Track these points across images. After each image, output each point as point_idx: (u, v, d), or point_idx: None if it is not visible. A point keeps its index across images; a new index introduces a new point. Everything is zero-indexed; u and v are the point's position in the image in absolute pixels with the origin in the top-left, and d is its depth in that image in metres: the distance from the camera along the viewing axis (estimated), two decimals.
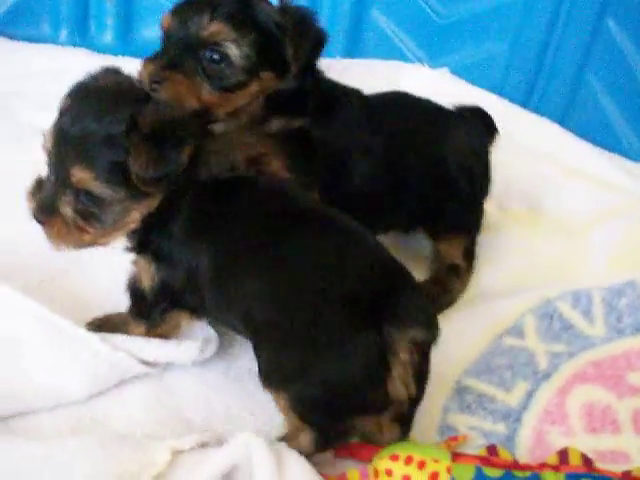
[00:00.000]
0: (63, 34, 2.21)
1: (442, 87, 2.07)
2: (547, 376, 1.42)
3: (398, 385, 1.17)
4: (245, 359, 1.42)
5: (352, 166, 1.45)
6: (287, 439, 1.24)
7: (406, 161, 1.50)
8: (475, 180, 1.56)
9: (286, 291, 1.21)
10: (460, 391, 1.41)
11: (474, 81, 2.08)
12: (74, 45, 2.19)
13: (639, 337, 1.48)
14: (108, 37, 2.21)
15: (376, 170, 1.47)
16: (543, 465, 1.22)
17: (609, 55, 1.93)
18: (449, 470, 1.17)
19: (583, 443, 1.29)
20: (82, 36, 2.21)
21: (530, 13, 2.00)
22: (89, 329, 1.37)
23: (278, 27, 1.33)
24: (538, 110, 2.04)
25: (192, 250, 1.26)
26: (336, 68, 2.03)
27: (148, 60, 1.32)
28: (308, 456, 1.21)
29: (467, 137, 1.56)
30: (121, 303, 1.41)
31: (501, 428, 1.35)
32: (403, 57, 2.17)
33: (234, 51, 1.29)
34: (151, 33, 2.18)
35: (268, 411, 1.33)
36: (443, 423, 1.36)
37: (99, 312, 1.44)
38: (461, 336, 1.49)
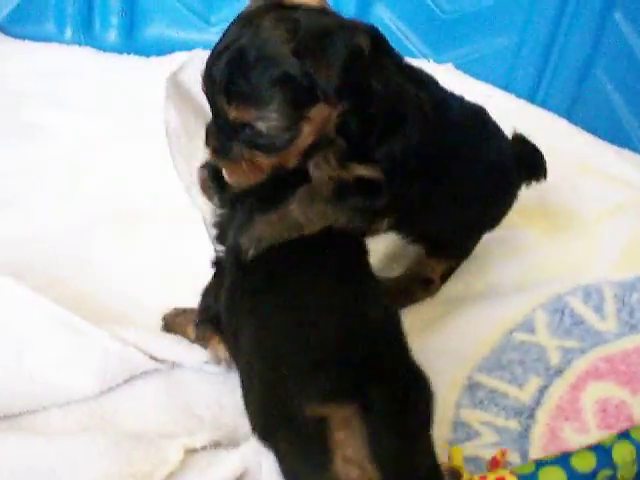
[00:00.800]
0: (68, 33, 2.20)
1: (448, 82, 2.06)
2: (559, 372, 1.40)
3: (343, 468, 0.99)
4: None
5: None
6: None
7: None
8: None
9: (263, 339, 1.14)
10: (472, 387, 1.39)
11: (479, 76, 2.07)
12: (79, 44, 2.19)
13: None
14: (112, 36, 2.20)
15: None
16: None
17: (616, 49, 1.92)
18: None
19: (598, 439, 1.28)
20: (87, 35, 2.20)
21: (536, 7, 1.99)
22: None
23: (299, 63, 1.13)
24: (545, 105, 2.03)
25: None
26: None
27: (205, 140, 1.22)
28: None
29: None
30: (131, 306, 1.41)
31: (514, 424, 1.33)
32: (408, 53, 2.15)
33: (263, 126, 1.15)
34: (155, 31, 2.19)
35: None
36: (456, 419, 1.34)
37: (107, 315, 1.44)
38: (471, 332, 1.47)
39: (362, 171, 1.23)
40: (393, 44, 2.13)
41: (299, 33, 1.13)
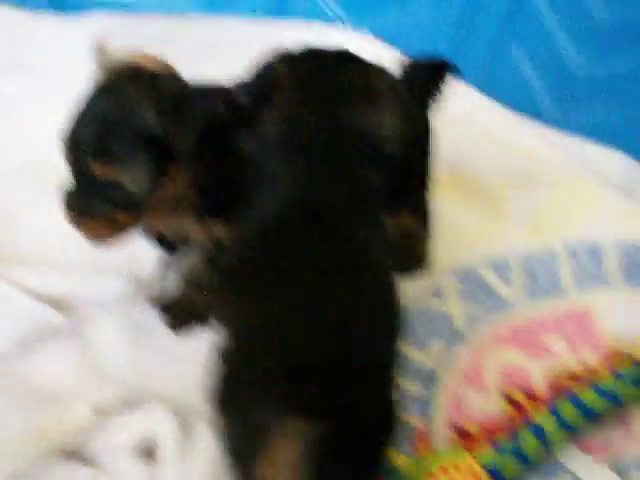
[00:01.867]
0: None
1: (363, 48, 2.06)
2: (463, 337, 1.44)
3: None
4: None
5: None
6: None
7: None
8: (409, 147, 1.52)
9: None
10: None
11: (396, 46, 2.08)
12: None
13: (555, 301, 1.51)
14: None
15: None
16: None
17: (529, 22, 1.96)
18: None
19: (499, 404, 1.32)
20: None
21: None
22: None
23: (160, 123, 1.21)
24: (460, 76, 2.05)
25: None
26: (259, 29, 2.04)
27: (63, 202, 1.24)
28: None
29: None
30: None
31: (419, 389, 1.37)
32: (325, 18, 2.15)
33: (127, 182, 1.20)
34: None
35: (185, 373, 1.33)
36: None
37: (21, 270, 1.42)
38: None
39: (219, 228, 1.32)
40: (311, 8, 2.15)
41: (160, 96, 1.21)
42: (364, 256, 1.16)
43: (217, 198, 1.30)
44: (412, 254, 1.57)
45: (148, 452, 1.20)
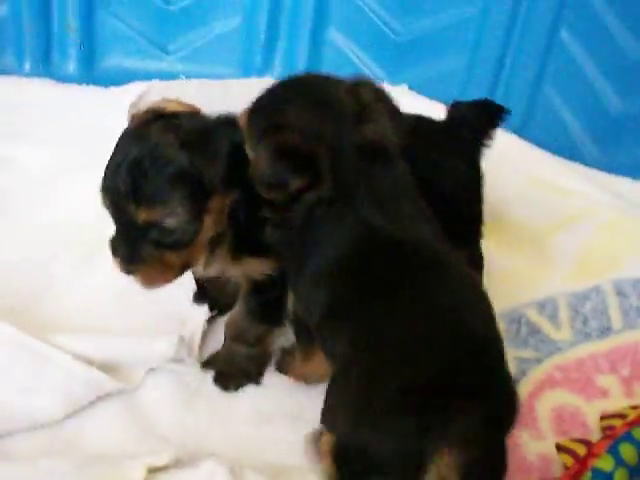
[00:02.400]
0: (27, 65, 2.22)
1: (402, 103, 2.09)
2: (516, 382, 1.43)
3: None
4: None
5: None
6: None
7: None
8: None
9: (368, 341, 1.14)
10: None
11: (433, 96, 2.11)
12: (38, 76, 2.21)
13: (605, 340, 1.51)
14: (71, 67, 2.22)
15: None
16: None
17: (564, 65, 1.98)
18: None
19: (554, 447, 1.31)
20: (46, 67, 2.22)
21: (486, 28, 2.04)
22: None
23: (189, 160, 1.22)
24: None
25: None
26: None
27: (113, 252, 1.26)
28: None
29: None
30: (92, 329, 1.43)
31: None
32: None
33: (170, 223, 1.22)
34: (113, 62, 2.21)
35: (239, 432, 1.37)
36: None
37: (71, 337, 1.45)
38: None
39: (254, 265, 1.35)
40: (347, 68, 2.20)
41: (184, 132, 1.23)
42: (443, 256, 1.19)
43: (252, 234, 1.31)
44: None
45: None
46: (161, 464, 1.22)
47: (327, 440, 1.16)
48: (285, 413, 1.41)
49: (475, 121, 1.51)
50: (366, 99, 1.23)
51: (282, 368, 1.48)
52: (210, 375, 1.45)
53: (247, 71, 2.24)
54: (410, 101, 2.05)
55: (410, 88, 2.16)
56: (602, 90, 1.97)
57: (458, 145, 1.51)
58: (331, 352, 1.23)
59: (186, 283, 1.53)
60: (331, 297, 1.20)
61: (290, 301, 1.36)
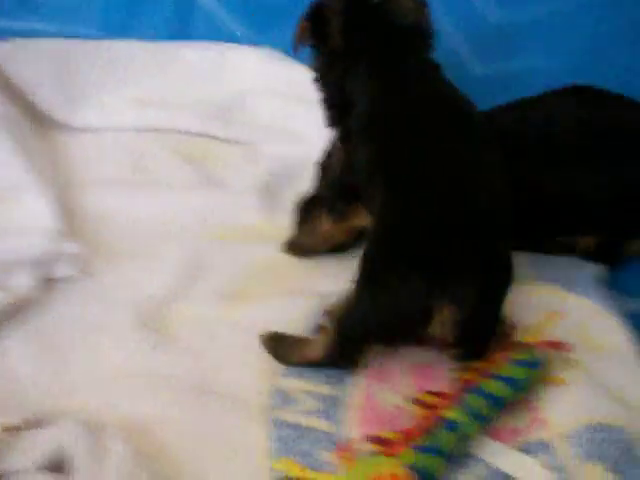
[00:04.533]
0: None
1: (271, 65, 2.08)
2: None
3: (436, 332, 1.29)
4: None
5: None
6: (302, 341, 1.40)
7: None
8: None
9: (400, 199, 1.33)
10: None
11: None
12: None
13: None
14: None
15: None
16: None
17: None
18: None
19: (411, 408, 1.35)
20: None
21: None
22: None
23: None
24: None
25: None
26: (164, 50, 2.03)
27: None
28: (313, 363, 1.38)
29: None
30: None
31: (332, 391, 1.39)
32: (232, 37, 2.16)
33: None
34: None
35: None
36: (275, 388, 1.40)
37: None
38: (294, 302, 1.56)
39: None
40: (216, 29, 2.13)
41: None
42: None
43: None
44: None
45: (59, 467, 1.20)
46: (14, 420, 1.21)
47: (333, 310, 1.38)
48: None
49: None
50: None
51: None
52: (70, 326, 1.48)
53: (110, 31, 2.15)
54: (280, 63, 2.03)
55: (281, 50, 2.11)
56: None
57: None
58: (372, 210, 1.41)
59: None
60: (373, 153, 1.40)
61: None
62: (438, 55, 1.54)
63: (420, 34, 1.52)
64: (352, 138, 1.47)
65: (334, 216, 1.57)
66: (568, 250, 1.62)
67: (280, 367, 1.42)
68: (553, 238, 1.63)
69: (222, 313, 1.54)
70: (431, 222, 1.28)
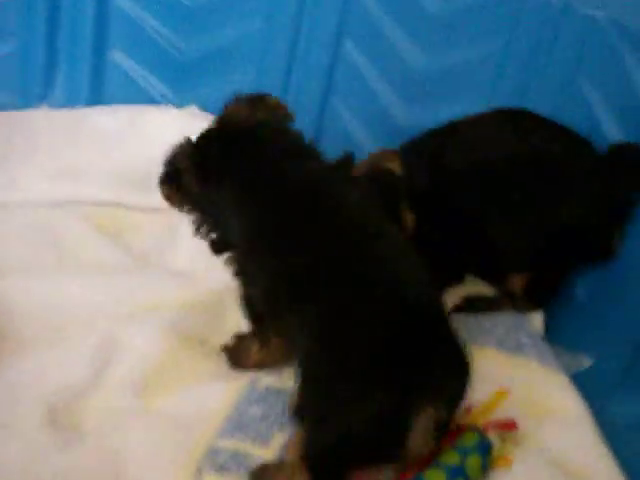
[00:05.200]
0: None
1: (192, 125, 1.98)
2: None
3: (417, 444, 1.16)
4: None
5: None
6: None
7: None
8: None
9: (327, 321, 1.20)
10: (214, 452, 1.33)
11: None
12: None
13: None
14: None
15: None
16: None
17: (350, 77, 1.92)
18: None
19: None
20: None
21: (270, 41, 1.97)
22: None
23: None
24: None
25: None
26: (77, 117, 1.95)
27: None
28: None
29: None
30: None
31: None
32: (149, 98, 2.08)
33: None
34: None
35: None
36: None
37: None
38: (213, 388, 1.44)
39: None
40: (133, 90, 2.07)
41: None
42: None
43: None
44: None
45: None
46: None
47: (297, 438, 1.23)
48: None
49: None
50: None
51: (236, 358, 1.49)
52: None
53: (27, 98, 2.11)
54: (200, 122, 1.95)
55: (200, 108, 2.05)
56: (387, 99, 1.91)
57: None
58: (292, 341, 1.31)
59: None
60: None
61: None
62: None
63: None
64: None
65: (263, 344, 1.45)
66: (497, 302, 1.62)
67: (203, 462, 1.30)
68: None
69: (137, 404, 1.42)
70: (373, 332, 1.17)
